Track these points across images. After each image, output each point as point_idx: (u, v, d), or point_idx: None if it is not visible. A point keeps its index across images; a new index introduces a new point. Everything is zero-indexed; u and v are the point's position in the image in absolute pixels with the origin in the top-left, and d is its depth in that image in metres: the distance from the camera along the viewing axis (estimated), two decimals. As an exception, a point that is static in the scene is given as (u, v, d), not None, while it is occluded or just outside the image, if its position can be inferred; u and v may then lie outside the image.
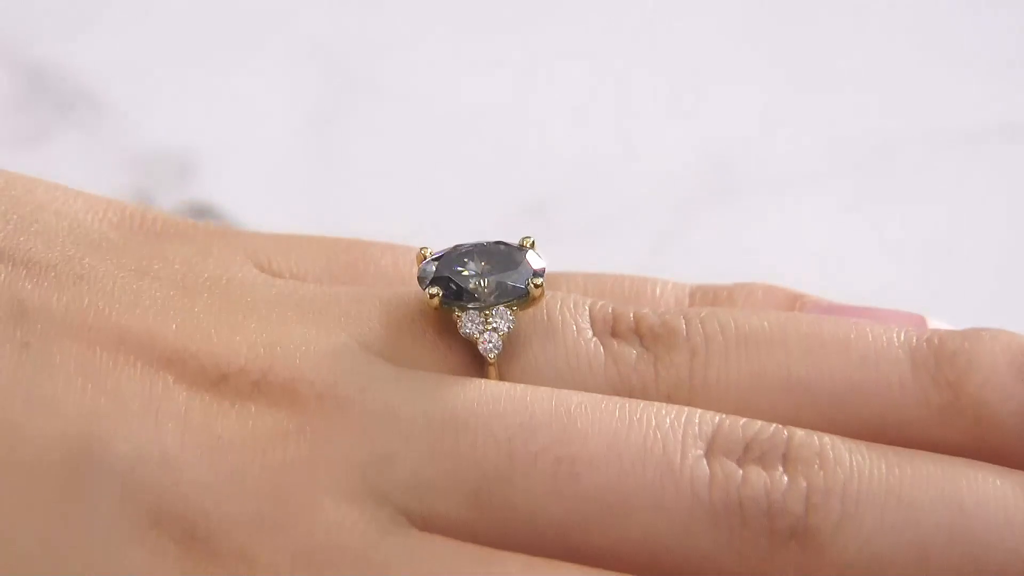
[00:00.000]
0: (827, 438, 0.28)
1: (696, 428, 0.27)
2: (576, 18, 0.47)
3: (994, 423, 0.28)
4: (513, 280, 0.28)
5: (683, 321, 0.29)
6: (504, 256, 0.29)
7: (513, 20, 0.47)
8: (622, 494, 0.27)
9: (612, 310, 0.29)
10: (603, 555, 0.27)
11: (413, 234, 0.42)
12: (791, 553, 0.27)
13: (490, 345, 0.28)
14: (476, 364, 0.28)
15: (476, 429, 0.27)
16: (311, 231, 0.41)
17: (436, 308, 0.28)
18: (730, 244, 0.40)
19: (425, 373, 0.28)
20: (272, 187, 0.43)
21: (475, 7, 0.47)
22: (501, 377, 0.28)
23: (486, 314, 0.28)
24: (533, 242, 0.29)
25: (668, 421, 0.27)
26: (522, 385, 0.28)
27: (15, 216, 0.30)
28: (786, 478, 0.27)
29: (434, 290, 0.28)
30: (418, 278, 0.29)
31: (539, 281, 0.28)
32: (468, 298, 0.28)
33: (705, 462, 0.27)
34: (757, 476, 0.27)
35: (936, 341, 0.28)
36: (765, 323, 0.29)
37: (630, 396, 0.28)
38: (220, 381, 0.27)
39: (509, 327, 0.28)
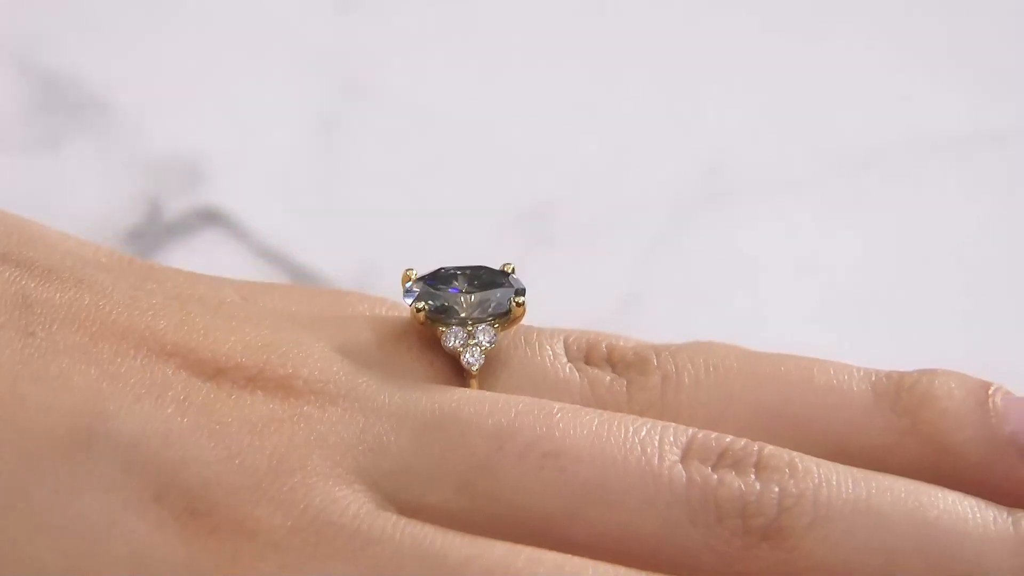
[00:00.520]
0: (796, 453, 0.28)
1: (672, 436, 0.28)
2: (573, 26, 0.47)
3: (951, 450, 0.29)
4: (496, 298, 0.29)
5: (654, 353, 0.30)
6: (487, 277, 0.30)
7: (511, 29, 0.47)
8: (605, 488, 0.28)
9: (586, 341, 0.30)
10: (587, 546, 0.28)
11: (415, 236, 0.42)
12: (765, 552, 0.27)
13: (472, 359, 0.29)
14: (458, 378, 0.29)
15: (463, 425, 0.28)
16: (318, 236, 0.42)
17: (422, 323, 0.29)
18: (724, 249, 0.40)
19: (410, 381, 0.29)
20: (280, 193, 0.43)
21: (475, 17, 0.47)
22: (482, 388, 0.29)
23: (469, 330, 0.29)
24: (514, 268, 0.30)
25: (645, 429, 0.28)
26: (504, 394, 0.29)
27: (16, 236, 0.30)
28: (759, 484, 0.28)
29: (421, 304, 0.29)
30: (404, 293, 0.29)
31: (520, 300, 0.29)
32: (452, 314, 0.29)
33: (681, 466, 0.28)
34: (732, 479, 0.28)
35: (896, 376, 0.29)
36: (732, 356, 0.30)
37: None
38: (217, 374, 0.28)
39: (491, 342, 0.29)
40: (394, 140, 0.44)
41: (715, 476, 0.28)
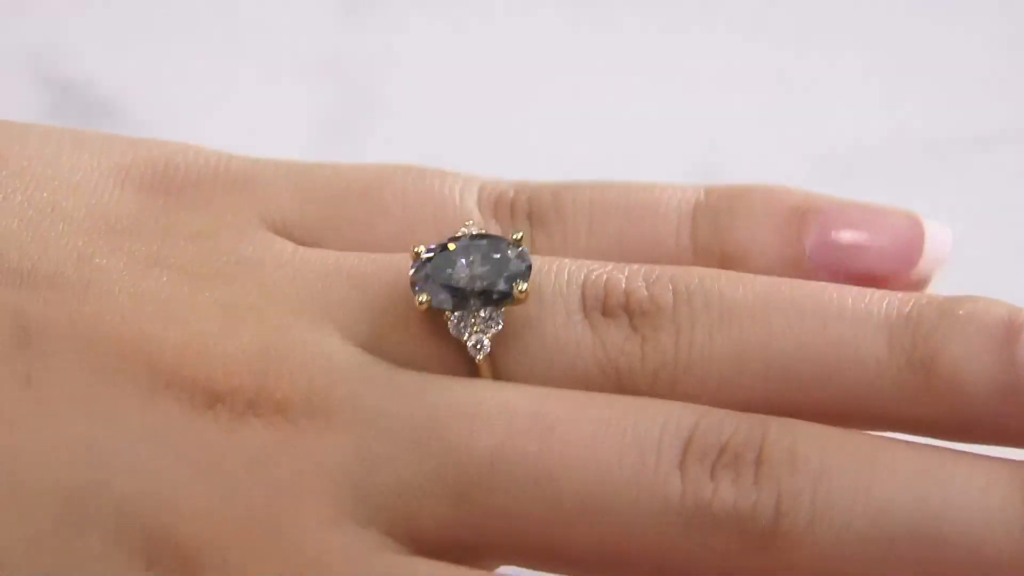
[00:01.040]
0: (800, 431, 0.28)
1: (673, 429, 0.28)
2: (570, 30, 0.47)
3: (966, 400, 0.28)
4: (501, 284, 0.29)
5: (671, 294, 0.29)
6: (493, 254, 0.29)
7: (514, 35, 0.47)
8: (599, 499, 0.27)
9: (605, 283, 0.29)
10: (583, 555, 0.28)
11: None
12: (761, 558, 0.27)
13: (478, 346, 0.29)
14: (466, 357, 0.29)
15: (458, 442, 0.28)
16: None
17: (425, 312, 0.29)
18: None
19: (412, 376, 0.28)
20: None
21: (480, 22, 0.47)
22: (492, 366, 0.29)
23: (474, 316, 0.29)
24: (522, 236, 0.29)
25: (644, 427, 0.28)
26: (506, 390, 0.28)
27: (20, 197, 0.30)
28: (756, 490, 0.27)
29: (423, 298, 0.28)
30: (410, 280, 0.29)
31: (524, 286, 0.29)
32: (457, 304, 0.29)
33: (678, 473, 0.27)
34: (727, 489, 0.27)
35: (915, 315, 0.28)
36: (749, 296, 0.29)
37: (617, 378, 0.29)
38: (215, 401, 0.28)
39: (498, 327, 0.29)
40: (399, 145, 0.45)
41: (711, 486, 0.27)
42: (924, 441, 0.29)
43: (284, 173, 0.31)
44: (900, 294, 0.29)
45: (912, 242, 0.30)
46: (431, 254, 0.29)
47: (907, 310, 0.29)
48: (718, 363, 0.29)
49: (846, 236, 0.31)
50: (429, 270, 0.29)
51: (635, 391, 0.29)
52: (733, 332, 0.29)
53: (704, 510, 0.27)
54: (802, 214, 0.31)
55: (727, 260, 0.30)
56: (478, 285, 0.29)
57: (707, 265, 0.30)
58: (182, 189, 0.30)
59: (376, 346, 0.29)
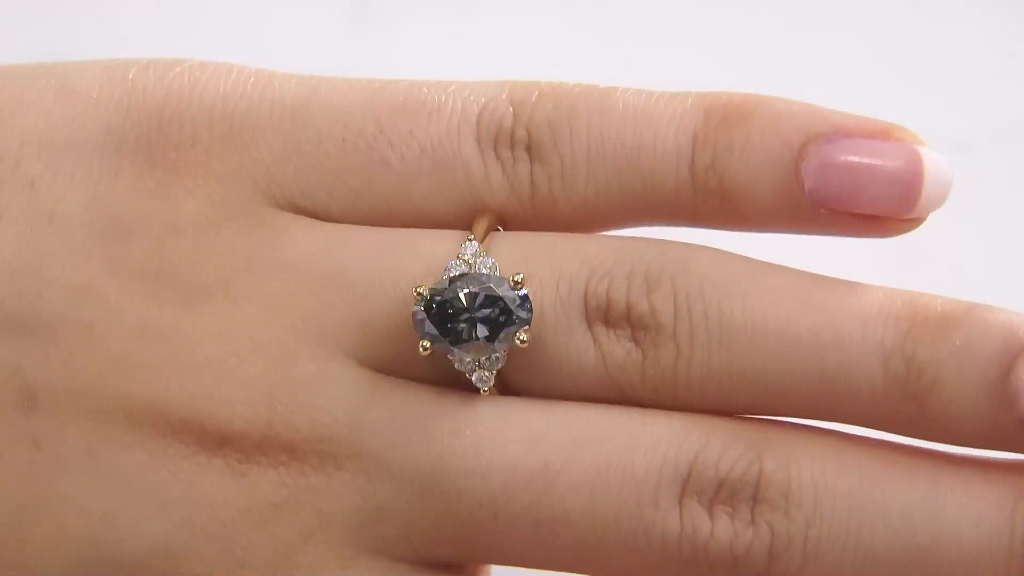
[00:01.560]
0: (795, 462, 0.28)
1: (672, 470, 0.28)
2: (575, 41, 0.47)
3: (958, 433, 0.29)
4: (503, 332, 0.28)
5: (672, 306, 0.29)
6: (496, 304, 0.29)
7: (518, 39, 0.47)
8: (598, 547, 0.28)
9: (607, 292, 0.29)
10: None
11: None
12: None
13: (481, 382, 0.29)
14: (470, 386, 0.29)
15: (460, 486, 0.28)
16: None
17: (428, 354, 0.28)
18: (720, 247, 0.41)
19: (416, 408, 0.28)
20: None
21: (485, 28, 0.47)
22: (498, 380, 0.29)
23: (477, 359, 0.29)
24: (524, 278, 0.29)
25: (643, 468, 0.28)
26: (508, 430, 0.28)
27: (16, 210, 0.29)
28: (751, 530, 0.28)
29: (426, 344, 0.28)
30: (413, 322, 0.28)
31: (525, 336, 0.28)
32: (460, 348, 0.29)
33: (677, 512, 0.28)
34: (723, 529, 0.28)
35: (910, 344, 0.28)
36: (747, 315, 0.28)
37: (619, 391, 0.29)
38: (224, 444, 0.28)
39: (500, 363, 0.29)
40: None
41: (708, 525, 0.28)
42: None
43: (277, 122, 0.30)
44: (900, 303, 0.29)
45: (911, 180, 0.29)
46: (435, 295, 0.29)
47: (903, 336, 0.28)
48: (716, 382, 0.29)
49: (846, 168, 0.29)
50: (432, 317, 0.29)
51: (636, 402, 0.29)
52: (732, 352, 0.29)
53: (699, 554, 0.28)
54: (801, 147, 0.29)
55: (726, 198, 0.30)
56: (481, 332, 0.29)
57: (706, 202, 0.30)
58: (178, 152, 0.29)
59: (383, 365, 0.29)
